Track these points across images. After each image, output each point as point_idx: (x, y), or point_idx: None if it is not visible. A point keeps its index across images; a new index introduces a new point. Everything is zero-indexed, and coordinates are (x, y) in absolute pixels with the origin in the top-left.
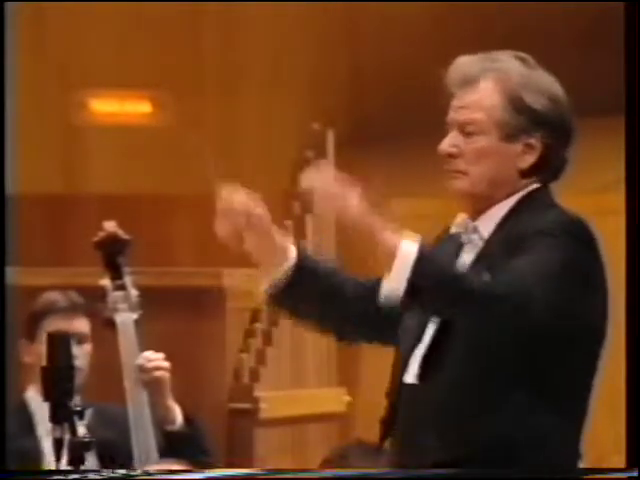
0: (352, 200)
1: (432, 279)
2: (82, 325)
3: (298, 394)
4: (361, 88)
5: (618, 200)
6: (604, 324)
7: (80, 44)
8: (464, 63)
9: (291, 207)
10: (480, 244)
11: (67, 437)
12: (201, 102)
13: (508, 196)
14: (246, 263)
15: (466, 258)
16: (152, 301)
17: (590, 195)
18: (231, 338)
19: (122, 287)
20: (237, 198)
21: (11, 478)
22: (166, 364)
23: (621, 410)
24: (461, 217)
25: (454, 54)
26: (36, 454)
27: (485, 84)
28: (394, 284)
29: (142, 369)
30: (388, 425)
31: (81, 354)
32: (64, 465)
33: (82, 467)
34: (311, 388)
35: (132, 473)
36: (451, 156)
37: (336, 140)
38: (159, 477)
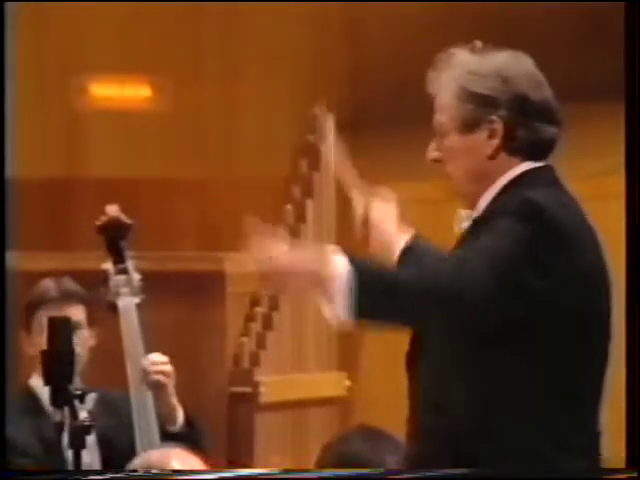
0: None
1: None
2: (76, 313)
3: (298, 378)
4: (362, 73)
5: (619, 184)
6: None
7: (80, 28)
8: (435, 68)
9: (291, 192)
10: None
11: (68, 421)
12: (201, 86)
13: (491, 182)
14: (247, 248)
15: None
16: (153, 285)
17: (590, 179)
18: (232, 322)
19: (124, 271)
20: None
21: (11, 478)
22: (169, 368)
23: (621, 410)
24: (460, 213)
25: (455, 39)
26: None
27: (443, 85)
28: (335, 311)
29: (146, 372)
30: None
31: (76, 341)
32: (65, 447)
33: (83, 450)
34: (311, 372)
35: (134, 473)
36: (435, 161)
37: (336, 125)
38: (162, 477)
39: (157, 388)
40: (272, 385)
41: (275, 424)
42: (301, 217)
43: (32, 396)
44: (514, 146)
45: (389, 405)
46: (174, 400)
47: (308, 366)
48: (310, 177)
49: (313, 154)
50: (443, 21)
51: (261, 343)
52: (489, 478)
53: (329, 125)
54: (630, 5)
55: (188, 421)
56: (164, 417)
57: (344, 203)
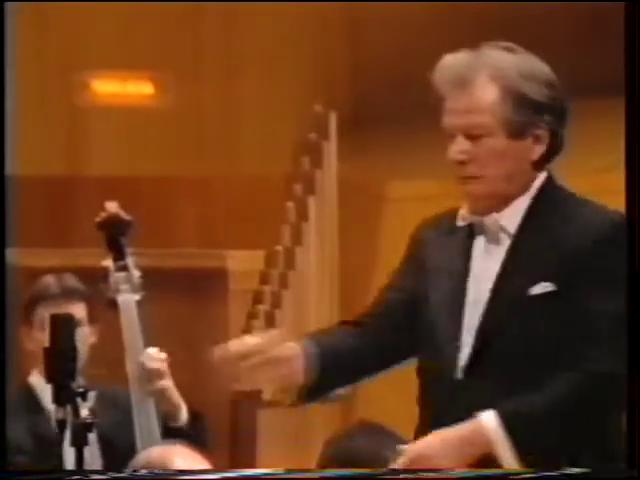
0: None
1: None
2: (77, 310)
3: None
4: (362, 72)
5: (618, 181)
6: None
7: (81, 27)
8: (453, 63)
9: (293, 189)
10: (506, 240)
11: (70, 418)
12: (202, 84)
13: (524, 188)
14: (248, 245)
15: (479, 250)
16: (154, 282)
17: (591, 176)
18: (234, 319)
19: (124, 268)
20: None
21: (11, 478)
22: (165, 368)
23: None
24: (467, 210)
25: (455, 39)
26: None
27: (481, 83)
28: (505, 462)
29: (144, 368)
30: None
31: (77, 338)
32: (67, 445)
33: (85, 447)
34: None
35: (137, 473)
36: (461, 163)
37: (338, 122)
38: (165, 477)
39: (155, 382)
40: None
41: (277, 421)
42: (303, 215)
43: (31, 393)
44: (554, 151)
45: (389, 402)
46: (176, 397)
47: None
48: (312, 174)
49: (315, 151)
50: (443, 21)
51: None
52: (494, 477)
53: (331, 122)
54: (630, 5)
55: (194, 417)
56: (166, 414)
57: (346, 200)
